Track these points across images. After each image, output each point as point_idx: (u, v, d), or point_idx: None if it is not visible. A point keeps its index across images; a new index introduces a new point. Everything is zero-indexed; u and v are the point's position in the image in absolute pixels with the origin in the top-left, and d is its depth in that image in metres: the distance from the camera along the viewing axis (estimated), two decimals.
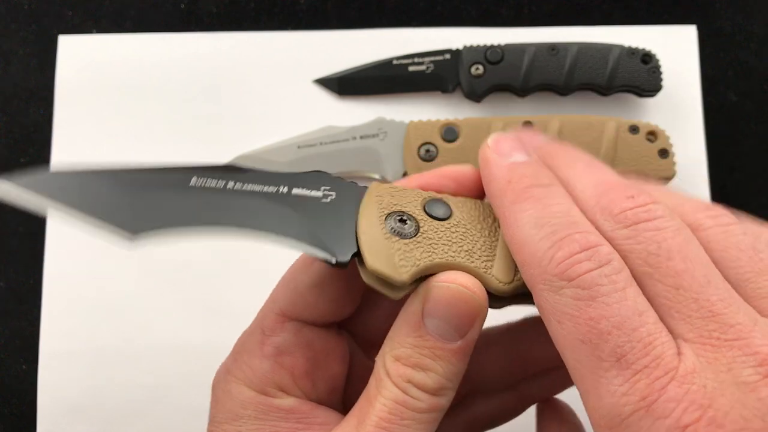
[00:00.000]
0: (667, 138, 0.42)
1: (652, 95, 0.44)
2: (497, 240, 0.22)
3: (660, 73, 0.43)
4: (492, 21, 0.47)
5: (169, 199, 0.21)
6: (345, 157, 0.44)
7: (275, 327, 0.24)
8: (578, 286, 0.18)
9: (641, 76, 0.43)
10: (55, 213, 0.20)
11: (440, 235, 0.21)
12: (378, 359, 0.21)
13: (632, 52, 0.44)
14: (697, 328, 0.17)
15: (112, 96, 0.46)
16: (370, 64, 0.46)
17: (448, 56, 0.45)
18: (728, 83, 0.46)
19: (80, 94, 0.46)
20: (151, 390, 0.43)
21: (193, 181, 0.21)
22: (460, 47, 0.45)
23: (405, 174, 0.43)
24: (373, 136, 0.44)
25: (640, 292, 0.18)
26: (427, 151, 0.43)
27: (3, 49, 0.47)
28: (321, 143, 0.44)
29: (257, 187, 0.22)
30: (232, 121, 0.46)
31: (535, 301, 0.19)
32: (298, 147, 0.44)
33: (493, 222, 0.22)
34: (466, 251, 0.21)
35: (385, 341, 0.22)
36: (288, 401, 0.23)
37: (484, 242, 0.22)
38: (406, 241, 0.21)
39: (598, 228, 0.19)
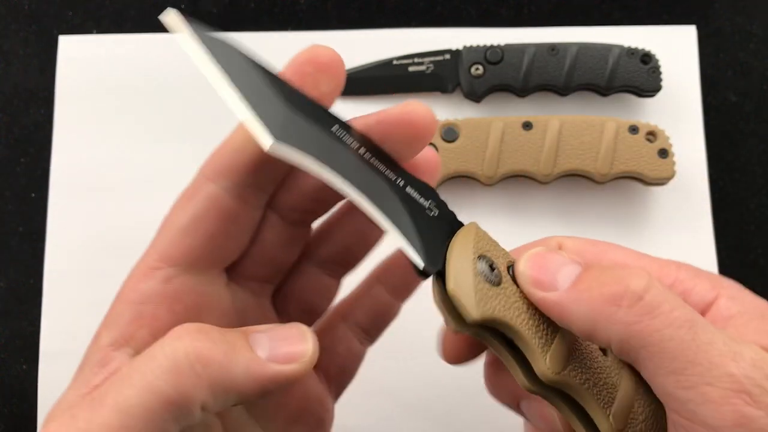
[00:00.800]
0: (666, 138, 0.42)
1: (651, 95, 0.44)
2: (558, 329, 0.22)
3: (659, 73, 0.44)
4: (492, 21, 0.47)
5: (314, 129, 0.21)
6: None
7: (145, 274, 0.22)
8: None
9: (641, 76, 0.43)
10: (214, 81, 0.20)
11: (515, 300, 0.21)
12: None
13: (632, 52, 0.44)
14: None
15: (112, 96, 0.46)
16: (370, 64, 0.46)
17: (448, 56, 0.45)
18: (728, 83, 0.46)
19: (80, 95, 0.46)
20: None
21: (335, 128, 0.21)
22: (460, 47, 0.45)
23: None
24: None
25: None
26: None
27: (3, 50, 0.47)
28: None
29: (381, 167, 0.22)
30: (232, 122, 0.46)
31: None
32: None
33: None
34: (531, 326, 0.21)
35: None
36: (114, 355, 0.21)
37: (549, 326, 0.22)
38: (489, 286, 0.21)
39: None
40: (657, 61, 0.44)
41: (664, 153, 0.42)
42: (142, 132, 0.46)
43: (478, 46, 0.45)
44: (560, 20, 0.47)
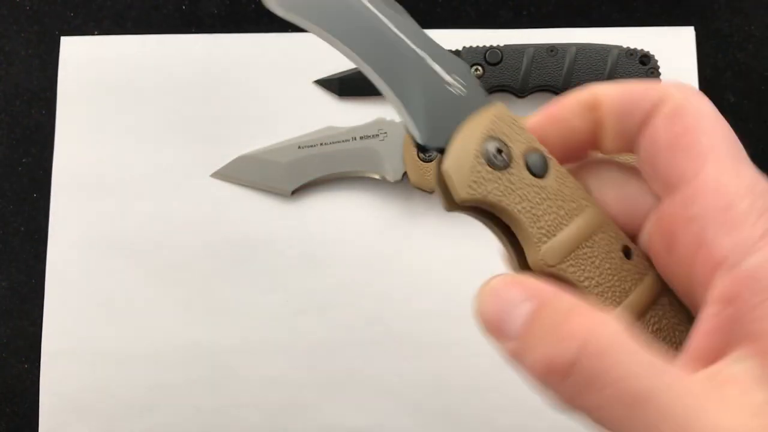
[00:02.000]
0: None
1: None
2: (568, 224, 0.21)
3: (658, 74, 0.44)
4: (491, 22, 0.47)
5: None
6: (345, 157, 0.44)
7: None
8: None
9: (640, 77, 0.44)
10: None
11: (520, 186, 0.21)
12: None
13: (631, 53, 0.44)
14: None
15: (113, 96, 0.46)
16: None
17: None
18: (726, 84, 0.46)
19: (82, 95, 0.47)
20: (152, 389, 0.43)
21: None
22: (460, 48, 0.45)
23: (405, 174, 0.43)
24: (373, 136, 0.44)
25: None
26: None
27: (5, 50, 0.48)
28: (321, 144, 0.44)
29: (407, 39, 0.22)
30: (232, 122, 0.46)
31: None
32: (299, 147, 0.45)
33: (577, 207, 0.22)
34: (533, 215, 0.21)
35: None
36: None
37: (556, 219, 0.21)
38: (489, 169, 0.21)
39: None
40: (656, 62, 0.44)
41: None
42: (143, 132, 0.46)
43: (477, 47, 0.45)
44: (559, 21, 0.47)
